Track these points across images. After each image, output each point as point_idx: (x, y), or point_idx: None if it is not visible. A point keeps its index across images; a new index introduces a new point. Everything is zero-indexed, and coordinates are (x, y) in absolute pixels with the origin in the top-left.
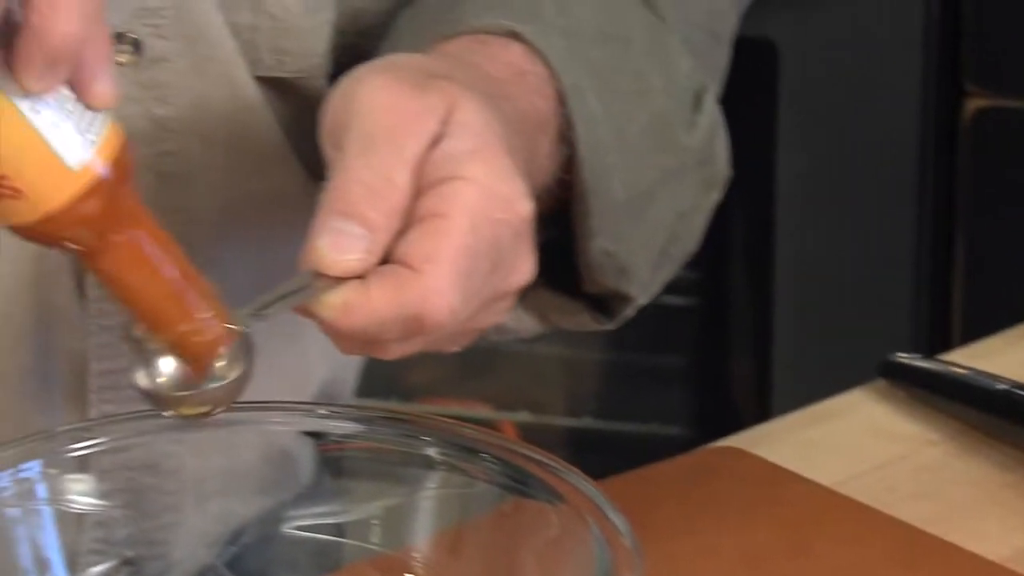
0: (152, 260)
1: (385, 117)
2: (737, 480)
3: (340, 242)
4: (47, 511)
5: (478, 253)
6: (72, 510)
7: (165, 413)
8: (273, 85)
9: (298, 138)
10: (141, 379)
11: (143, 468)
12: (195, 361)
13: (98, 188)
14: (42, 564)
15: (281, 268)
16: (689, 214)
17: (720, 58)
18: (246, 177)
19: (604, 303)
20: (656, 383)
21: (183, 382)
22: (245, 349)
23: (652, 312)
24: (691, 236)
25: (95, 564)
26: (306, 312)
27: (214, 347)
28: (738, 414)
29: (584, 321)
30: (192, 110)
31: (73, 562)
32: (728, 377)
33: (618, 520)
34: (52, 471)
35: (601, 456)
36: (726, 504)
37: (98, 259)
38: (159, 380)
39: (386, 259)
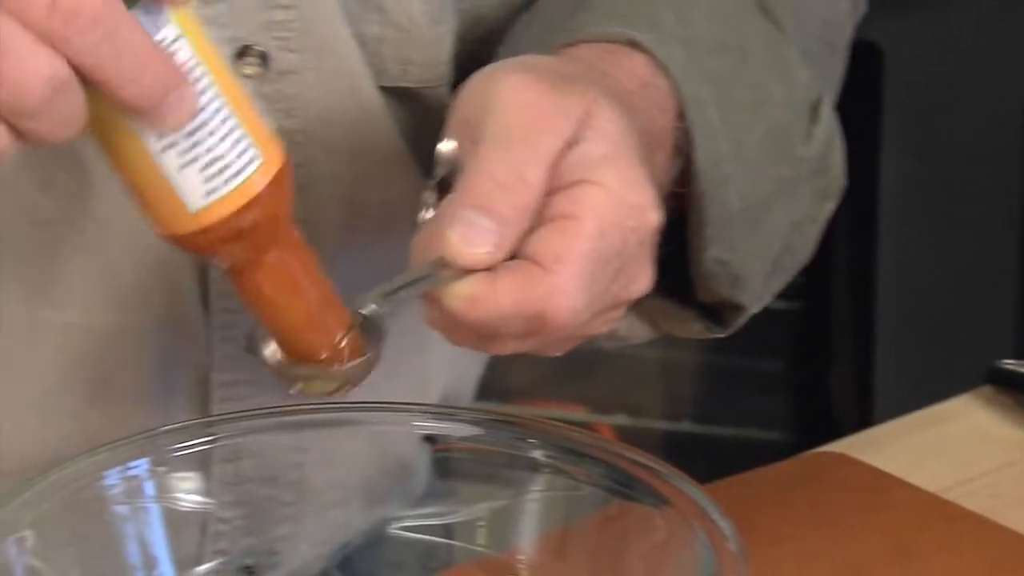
0: (288, 287)
1: (523, 115)
2: (841, 486)
3: (471, 233)
4: (155, 509)
5: (604, 258)
6: (180, 508)
7: (291, 391)
8: (396, 94)
9: (419, 146)
10: (270, 353)
11: (262, 480)
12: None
13: (220, 225)
14: (150, 562)
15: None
16: (804, 224)
17: (836, 68)
18: (369, 186)
19: (716, 311)
20: (755, 387)
21: None
22: (375, 331)
23: (752, 315)
24: (805, 246)
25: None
26: (431, 299)
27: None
28: (838, 420)
29: (696, 329)
30: (318, 122)
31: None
32: (829, 382)
33: (724, 524)
34: (160, 469)
35: (699, 460)
36: (830, 510)
37: (234, 277)
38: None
39: (513, 256)
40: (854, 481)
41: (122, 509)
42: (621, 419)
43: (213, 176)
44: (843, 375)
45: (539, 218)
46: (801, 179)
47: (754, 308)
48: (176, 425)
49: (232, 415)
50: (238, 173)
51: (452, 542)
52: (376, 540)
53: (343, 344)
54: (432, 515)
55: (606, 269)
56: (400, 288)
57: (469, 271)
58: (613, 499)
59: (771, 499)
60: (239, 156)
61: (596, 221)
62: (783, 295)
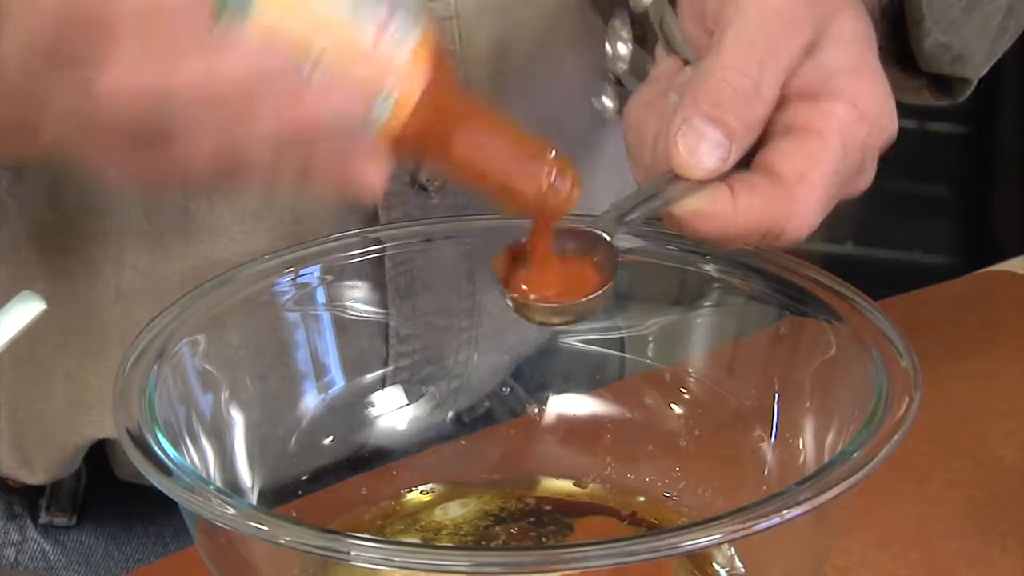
0: (484, 154)
1: (772, 24)
2: (1013, 305)
3: (700, 147)
4: (326, 316)
5: (842, 174)
6: (350, 316)
7: (521, 316)
8: None
9: None
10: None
11: (438, 312)
12: (551, 218)
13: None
14: (320, 369)
15: (557, 98)
16: None
17: None
18: (518, 6)
19: (944, 81)
20: (920, 211)
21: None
22: (610, 259)
23: (917, 139)
24: None
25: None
26: (668, 216)
27: (568, 202)
28: (1002, 244)
29: (926, 97)
30: None
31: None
32: (994, 206)
33: (898, 341)
34: (330, 277)
35: (862, 283)
36: (1002, 329)
37: (434, 164)
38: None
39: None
40: None
41: (293, 316)
42: None
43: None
44: (1008, 199)
45: (771, 125)
46: None
47: (977, 76)
48: (347, 234)
49: (401, 224)
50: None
51: (622, 354)
52: (547, 352)
53: (553, 178)
54: (603, 329)
55: (843, 184)
56: (634, 208)
57: (699, 183)
58: (785, 314)
59: (942, 318)
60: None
61: (841, 139)
62: (948, 117)
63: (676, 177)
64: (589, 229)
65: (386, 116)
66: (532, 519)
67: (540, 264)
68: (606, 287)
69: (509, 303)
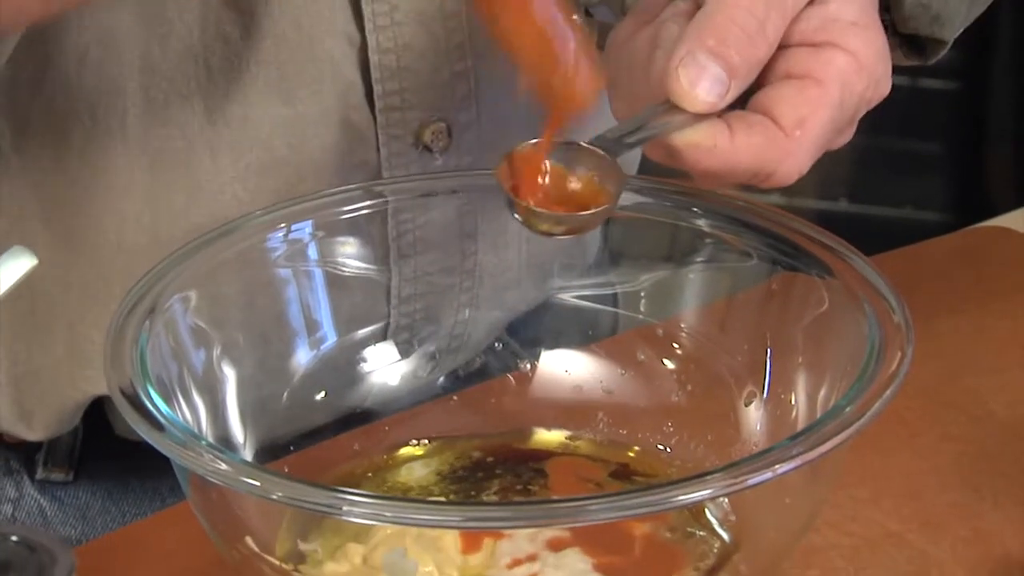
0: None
1: None
2: (1004, 260)
3: (702, 80)
4: (318, 273)
5: (837, 123)
6: (342, 273)
7: (520, 220)
8: None
9: None
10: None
11: (440, 272)
12: (568, 107)
13: None
14: (312, 325)
15: None
16: None
17: None
18: None
19: (917, 41)
20: (912, 168)
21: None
22: (615, 176)
23: (910, 96)
24: None
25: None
26: (666, 146)
27: (589, 94)
28: (994, 201)
29: (898, 57)
30: None
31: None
32: (985, 163)
33: (890, 296)
34: (322, 233)
35: (854, 239)
36: (995, 285)
37: None
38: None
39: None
40: (1017, 256)
41: (285, 272)
42: (776, 198)
43: None
44: (1000, 157)
45: (770, 70)
46: None
47: (951, 38)
48: (338, 190)
49: (392, 180)
50: None
51: (614, 310)
52: (540, 308)
53: (582, 68)
54: (596, 285)
55: (834, 134)
56: (633, 133)
57: (696, 116)
58: (777, 270)
59: (934, 273)
60: None
61: (840, 90)
62: (940, 74)
63: (671, 108)
64: (594, 148)
65: None
66: (500, 470)
67: (538, 170)
68: (608, 204)
69: (516, 215)
